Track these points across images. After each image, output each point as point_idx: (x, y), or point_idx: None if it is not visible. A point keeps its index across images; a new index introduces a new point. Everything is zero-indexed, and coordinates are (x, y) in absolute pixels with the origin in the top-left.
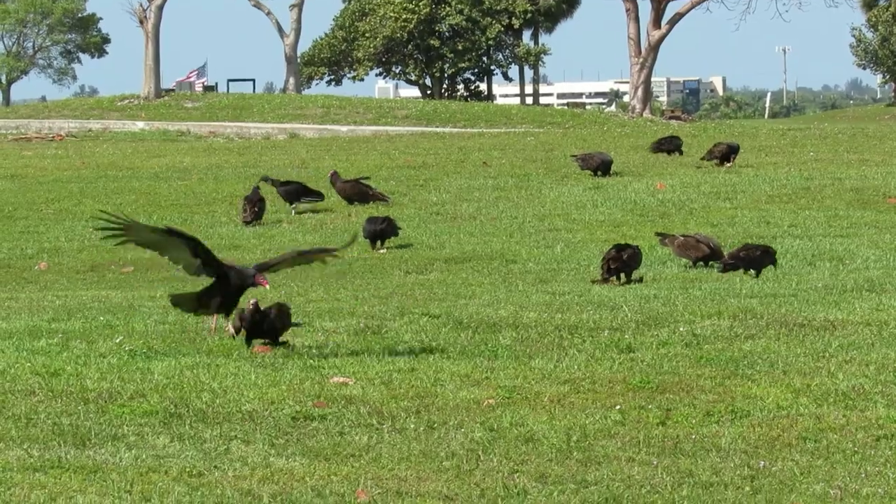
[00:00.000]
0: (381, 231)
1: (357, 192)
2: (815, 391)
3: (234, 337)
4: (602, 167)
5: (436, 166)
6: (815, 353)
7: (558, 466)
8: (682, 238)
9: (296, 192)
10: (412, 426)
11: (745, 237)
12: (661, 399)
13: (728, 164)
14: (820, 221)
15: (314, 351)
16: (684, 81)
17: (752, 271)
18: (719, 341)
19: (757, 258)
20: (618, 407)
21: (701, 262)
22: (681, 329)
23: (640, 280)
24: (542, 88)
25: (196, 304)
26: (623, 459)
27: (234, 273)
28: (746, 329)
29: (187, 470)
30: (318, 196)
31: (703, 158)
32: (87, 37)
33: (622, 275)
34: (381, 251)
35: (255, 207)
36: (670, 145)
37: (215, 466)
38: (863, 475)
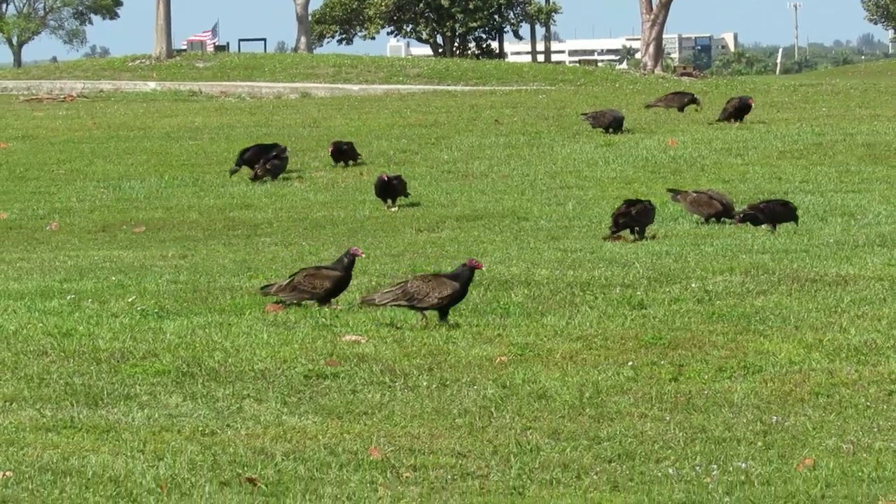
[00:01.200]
0: (393, 189)
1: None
2: (827, 346)
3: None
4: (613, 124)
5: (447, 124)
6: (826, 309)
7: (571, 423)
8: (694, 194)
9: (256, 157)
10: (424, 384)
11: (757, 193)
12: (673, 355)
13: (739, 121)
14: (831, 177)
15: (326, 309)
16: (696, 38)
17: (769, 226)
18: (731, 297)
19: (778, 212)
20: (630, 363)
21: (713, 219)
22: (693, 285)
23: (653, 237)
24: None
25: None
26: (636, 415)
27: None
28: (758, 285)
29: (200, 429)
30: (279, 150)
31: (718, 120)
32: None
33: (635, 231)
34: (393, 209)
35: (266, 164)
36: (682, 101)
37: (228, 425)
38: (875, 429)
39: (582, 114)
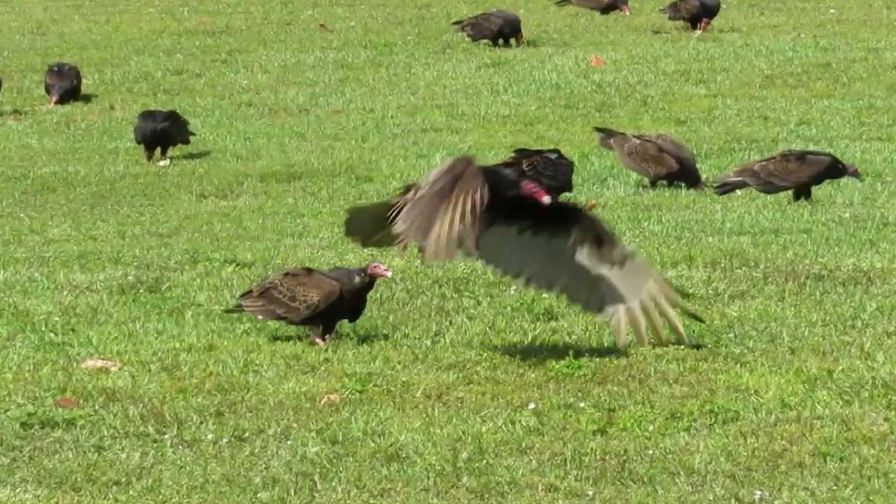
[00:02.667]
0: (163, 132)
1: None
2: (840, 381)
3: None
4: (504, 32)
5: (246, 31)
6: (839, 322)
7: (439, 500)
8: (636, 141)
9: None
10: (210, 437)
11: (730, 140)
12: (598, 393)
13: (701, 30)
14: (846, 116)
15: (56, 318)
16: None
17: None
18: (690, 302)
19: (810, 174)
20: (532, 405)
21: (664, 181)
22: None
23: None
24: None
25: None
26: (539, 488)
27: None
28: (733, 283)
29: None
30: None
31: (670, 18)
32: None
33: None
34: (163, 163)
35: None
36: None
37: None
38: None
39: (454, 22)
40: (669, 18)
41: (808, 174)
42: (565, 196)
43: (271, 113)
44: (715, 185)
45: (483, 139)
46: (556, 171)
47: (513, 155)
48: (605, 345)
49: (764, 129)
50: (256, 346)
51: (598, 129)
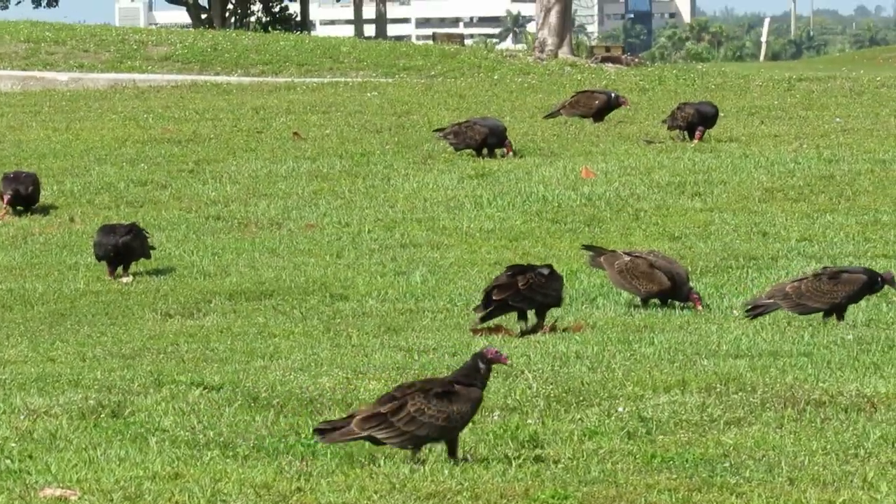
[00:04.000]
0: (125, 246)
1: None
2: None
3: None
4: (489, 141)
5: (215, 140)
6: (841, 450)
7: None
8: (627, 259)
9: None
10: None
11: (727, 257)
12: None
13: (696, 139)
14: (850, 232)
15: (13, 444)
16: (627, 0)
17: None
18: (684, 429)
19: (849, 293)
20: None
21: (656, 300)
22: (620, 409)
23: (553, 328)
24: (393, 10)
25: None
26: None
27: None
28: (729, 409)
29: None
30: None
31: (669, 128)
32: None
33: (525, 316)
34: (125, 279)
35: None
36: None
37: None
38: None
39: (435, 130)
40: (668, 128)
41: (844, 294)
42: (553, 313)
43: (241, 227)
44: (746, 308)
45: (465, 255)
46: (549, 288)
47: (507, 273)
48: (593, 473)
49: (763, 245)
50: (224, 473)
51: (587, 247)
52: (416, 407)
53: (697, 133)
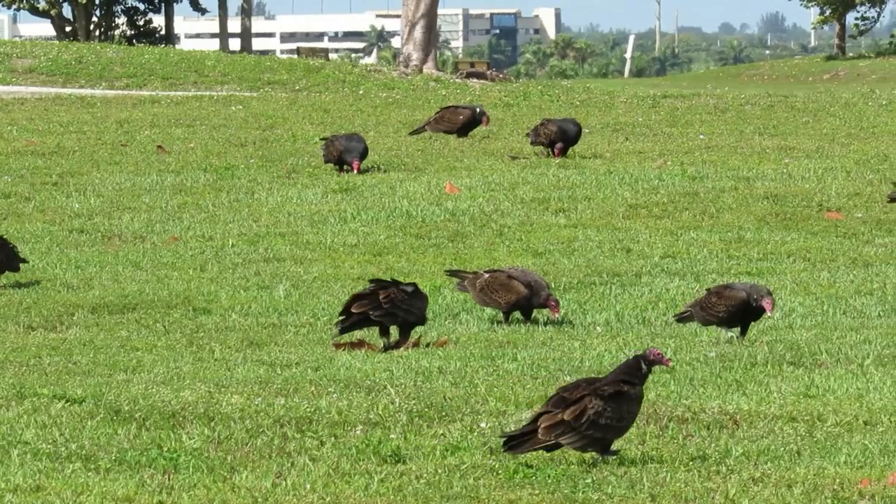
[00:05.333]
0: None
1: None
2: None
3: None
4: (350, 156)
5: (79, 153)
6: (703, 467)
7: None
8: (485, 276)
9: None
10: None
11: (590, 273)
12: None
13: (556, 156)
14: (713, 250)
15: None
16: (492, 15)
17: (733, 331)
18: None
19: (746, 310)
20: None
21: (517, 311)
22: (482, 424)
23: (416, 343)
24: (258, 25)
25: None
26: None
27: None
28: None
29: None
30: None
31: (532, 143)
32: None
33: (386, 333)
34: None
35: None
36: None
37: None
38: None
39: (322, 138)
40: (531, 143)
41: (724, 310)
42: (417, 329)
43: (104, 240)
44: (675, 314)
45: (329, 270)
46: (412, 305)
47: (370, 285)
48: (456, 489)
49: (627, 261)
50: (86, 486)
51: (451, 273)
52: (595, 410)
53: (557, 150)
